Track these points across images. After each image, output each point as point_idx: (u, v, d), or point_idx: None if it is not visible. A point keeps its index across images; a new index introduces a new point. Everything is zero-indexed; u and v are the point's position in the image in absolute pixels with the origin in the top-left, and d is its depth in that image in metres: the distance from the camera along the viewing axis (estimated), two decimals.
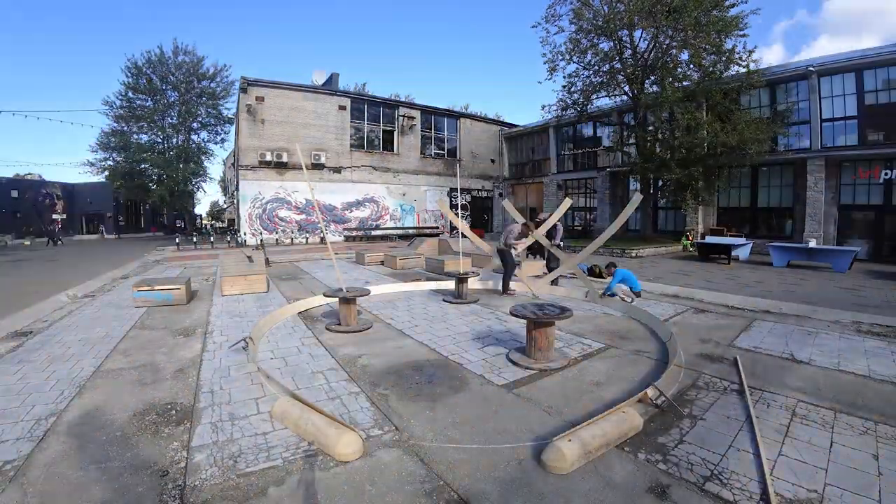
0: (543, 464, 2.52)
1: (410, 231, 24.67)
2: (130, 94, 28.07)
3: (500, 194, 29.72)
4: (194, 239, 22.30)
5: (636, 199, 6.57)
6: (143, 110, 27.84)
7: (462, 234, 8.63)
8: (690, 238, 17.08)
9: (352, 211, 23.71)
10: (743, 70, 15.29)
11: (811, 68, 15.31)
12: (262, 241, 18.85)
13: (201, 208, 57.83)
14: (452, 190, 26.39)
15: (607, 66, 17.81)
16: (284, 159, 21.01)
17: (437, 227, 26.17)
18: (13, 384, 3.75)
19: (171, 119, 28.80)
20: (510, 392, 3.61)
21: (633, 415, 2.98)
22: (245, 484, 2.37)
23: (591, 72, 18.26)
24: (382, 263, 12.50)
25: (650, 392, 3.37)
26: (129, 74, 27.61)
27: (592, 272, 9.80)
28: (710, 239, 15.26)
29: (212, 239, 22.81)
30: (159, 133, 28.07)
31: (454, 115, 28.34)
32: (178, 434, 2.90)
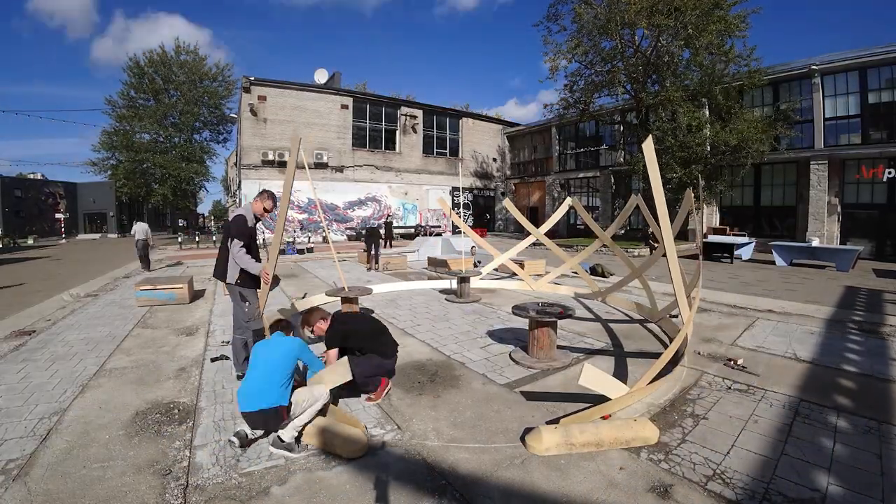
0: (525, 443, 2.74)
1: (413, 230, 24.68)
2: (133, 93, 28.13)
3: (503, 193, 29.69)
4: (196, 238, 22.35)
5: (632, 200, 6.68)
6: (145, 110, 27.89)
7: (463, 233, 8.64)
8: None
9: (354, 210, 23.71)
10: (744, 69, 15.22)
11: (814, 66, 15.24)
12: (264, 240, 18.86)
13: (203, 207, 58.05)
14: (455, 189, 26.38)
15: (609, 65, 17.75)
16: (286, 158, 21.02)
17: (440, 227, 26.17)
18: (16, 383, 3.76)
19: (174, 118, 28.84)
20: (512, 391, 3.60)
21: (644, 425, 2.80)
22: (248, 483, 2.37)
23: (593, 71, 18.22)
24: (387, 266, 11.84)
25: None
26: (131, 74, 27.67)
27: (595, 271, 9.78)
28: (712, 238, 15.20)
29: (214, 238, 22.85)
30: (162, 132, 28.12)
31: (456, 115, 28.29)
32: (181, 433, 2.91)
